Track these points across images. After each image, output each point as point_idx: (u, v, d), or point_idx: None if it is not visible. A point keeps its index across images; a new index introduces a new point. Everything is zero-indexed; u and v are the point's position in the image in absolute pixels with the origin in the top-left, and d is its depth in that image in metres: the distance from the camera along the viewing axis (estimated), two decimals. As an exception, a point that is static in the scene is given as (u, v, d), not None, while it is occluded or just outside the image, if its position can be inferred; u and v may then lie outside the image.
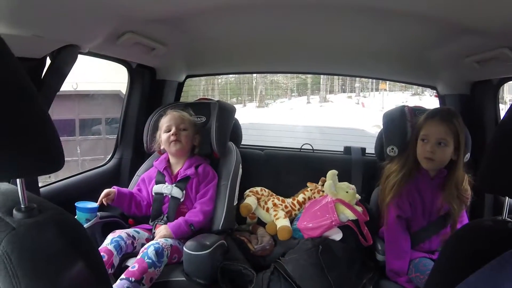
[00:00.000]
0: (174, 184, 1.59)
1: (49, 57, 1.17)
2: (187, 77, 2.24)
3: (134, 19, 1.30)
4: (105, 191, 1.53)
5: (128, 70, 1.94)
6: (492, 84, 1.76)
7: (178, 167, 1.64)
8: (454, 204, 1.46)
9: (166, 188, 1.59)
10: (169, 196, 1.58)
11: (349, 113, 13.97)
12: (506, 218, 0.76)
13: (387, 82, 14.05)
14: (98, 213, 1.48)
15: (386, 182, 1.58)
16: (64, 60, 1.18)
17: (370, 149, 2.08)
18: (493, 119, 1.78)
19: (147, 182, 1.66)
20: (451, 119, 1.46)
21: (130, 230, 1.47)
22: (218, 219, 1.58)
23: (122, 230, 1.46)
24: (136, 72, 1.95)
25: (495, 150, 0.72)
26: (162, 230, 1.47)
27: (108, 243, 1.36)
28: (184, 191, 1.58)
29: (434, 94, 2.09)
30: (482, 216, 1.67)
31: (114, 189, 1.55)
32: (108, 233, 1.44)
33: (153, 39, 1.54)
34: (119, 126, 2.05)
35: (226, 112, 1.80)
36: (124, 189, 1.60)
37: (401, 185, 1.52)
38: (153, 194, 1.61)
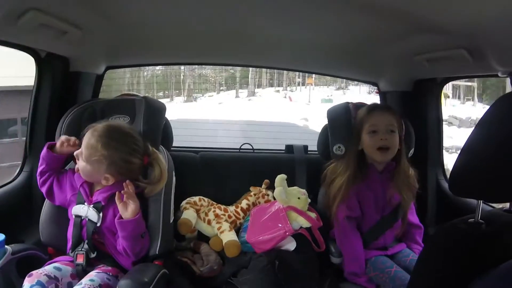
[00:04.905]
0: (92, 205, 1.28)
1: None
2: (107, 68, 1.90)
3: None
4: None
5: (35, 60, 1.56)
6: (436, 82, 1.79)
7: (97, 186, 1.32)
8: (404, 193, 1.47)
9: (83, 210, 1.27)
10: (87, 219, 1.27)
11: (277, 107, 14.30)
12: (479, 220, 0.77)
13: (313, 77, 14.75)
14: (8, 247, 1.16)
15: (331, 185, 1.52)
16: None
17: (312, 146, 2.00)
18: (436, 116, 1.82)
19: (69, 188, 1.33)
20: (392, 109, 1.53)
21: (50, 269, 1.16)
22: (155, 241, 1.31)
23: (40, 271, 1.13)
24: (46, 63, 1.58)
25: (466, 155, 0.74)
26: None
27: None
28: (101, 214, 1.27)
29: (375, 90, 2.10)
30: (427, 208, 1.74)
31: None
32: (26, 270, 1.12)
33: (64, 20, 1.24)
34: (27, 131, 1.65)
35: (154, 111, 1.50)
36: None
37: (348, 186, 1.47)
38: (73, 216, 1.29)
